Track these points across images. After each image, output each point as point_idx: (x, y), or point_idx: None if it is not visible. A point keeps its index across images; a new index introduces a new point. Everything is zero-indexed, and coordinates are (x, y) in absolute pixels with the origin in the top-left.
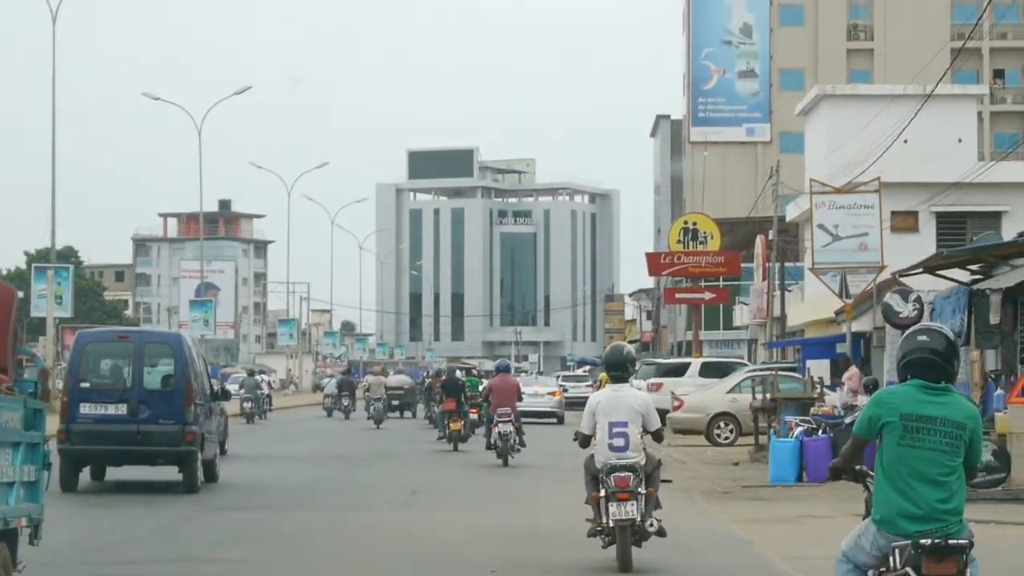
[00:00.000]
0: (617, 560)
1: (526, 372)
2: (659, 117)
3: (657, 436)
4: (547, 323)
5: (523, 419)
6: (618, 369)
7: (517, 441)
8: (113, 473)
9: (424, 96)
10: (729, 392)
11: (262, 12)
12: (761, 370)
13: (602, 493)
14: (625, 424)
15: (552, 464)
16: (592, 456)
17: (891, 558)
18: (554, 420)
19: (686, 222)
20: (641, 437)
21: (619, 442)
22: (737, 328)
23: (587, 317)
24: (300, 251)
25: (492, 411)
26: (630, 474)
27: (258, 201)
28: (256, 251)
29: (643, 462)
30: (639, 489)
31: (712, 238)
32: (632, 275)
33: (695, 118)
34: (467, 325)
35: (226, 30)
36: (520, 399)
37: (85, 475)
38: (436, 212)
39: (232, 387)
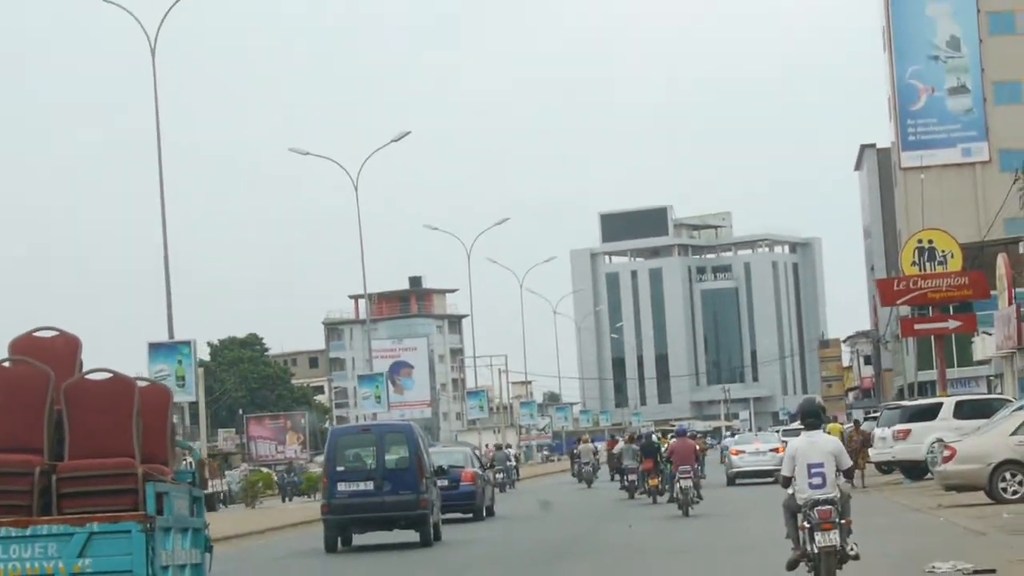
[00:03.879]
0: None
1: (738, 430)
2: (864, 147)
3: (848, 474)
4: (755, 378)
5: (744, 479)
6: (812, 416)
7: (695, 495)
8: (358, 539)
9: (611, 155)
10: (1014, 434)
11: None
12: None
13: (806, 525)
14: (822, 465)
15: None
16: (792, 495)
17: None
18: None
19: (920, 240)
20: (835, 476)
21: (817, 480)
22: (977, 363)
23: (796, 369)
24: (493, 322)
25: (674, 469)
26: (831, 507)
27: (445, 272)
28: (451, 326)
29: (838, 496)
30: (838, 520)
31: (952, 257)
32: (841, 323)
33: (905, 142)
34: (673, 386)
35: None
36: (698, 459)
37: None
38: (633, 274)
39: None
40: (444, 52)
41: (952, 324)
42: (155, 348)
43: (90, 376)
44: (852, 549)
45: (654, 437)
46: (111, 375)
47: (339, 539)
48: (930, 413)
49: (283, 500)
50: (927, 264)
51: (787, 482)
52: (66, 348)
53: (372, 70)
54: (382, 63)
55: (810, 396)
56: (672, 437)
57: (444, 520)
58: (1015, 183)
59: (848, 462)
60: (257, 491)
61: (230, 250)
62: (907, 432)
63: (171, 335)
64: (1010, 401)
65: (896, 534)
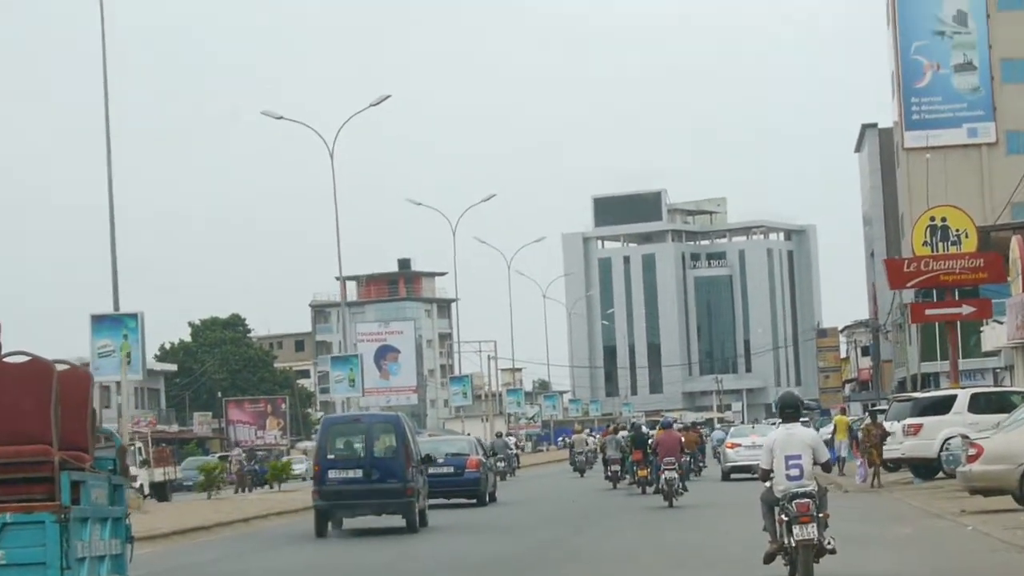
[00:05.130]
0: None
1: (731, 422)
2: (865, 127)
3: (826, 467)
4: (748, 369)
5: (738, 475)
6: (791, 408)
7: (680, 486)
8: (348, 523)
9: (606, 139)
10: None
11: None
12: None
13: (783, 518)
14: (799, 457)
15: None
16: (769, 488)
17: None
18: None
19: (933, 218)
20: (812, 467)
21: (795, 472)
22: (985, 355)
23: (790, 360)
24: (484, 306)
25: (659, 461)
26: (809, 500)
27: (435, 252)
28: (440, 311)
29: (816, 489)
30: (816, 513)
31: (967, 237)
32: (837, 312)
33: (908, 121)
34: (665, 376)
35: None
36: (683, 451)
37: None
38: (626, 259)
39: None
40: (433, 13)
41: (966, 310)
42: (98, 321)
43: (6, 359)
44: (830, 543)
45: (644, 428)
46: (29, 358)
47: (329, 523)
48: (943, 406)
49: (237, 491)
50: (939, 244)
51: (766, 475)
52: None
53: (353, 32)
54: (362, 24)
55: (789, 390)
56: (659, 428)
57: (449, 505)
58: None
59: (825, 455)
60: (215, 479)
61: (212, 228)
62: (919, 427)
63: (116, 307)
64: None
65: (926, 549)
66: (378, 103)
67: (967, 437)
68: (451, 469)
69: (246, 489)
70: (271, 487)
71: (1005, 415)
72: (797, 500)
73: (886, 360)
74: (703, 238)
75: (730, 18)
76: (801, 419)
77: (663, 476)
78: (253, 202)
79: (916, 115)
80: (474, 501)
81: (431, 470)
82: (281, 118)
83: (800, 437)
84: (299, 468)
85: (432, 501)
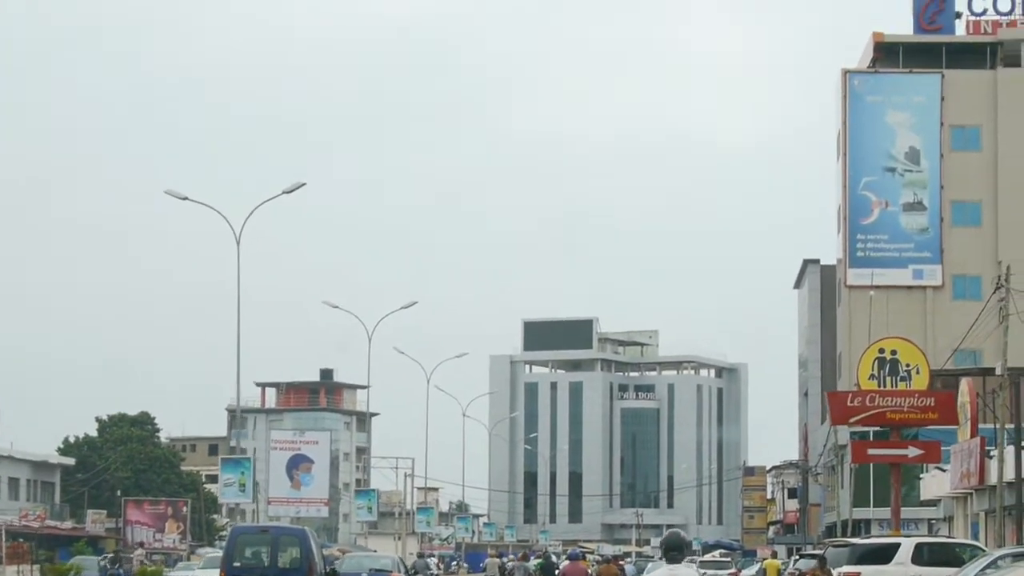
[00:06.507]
0: None
1: (649, 557)
2: (807, 262)
3: None
4: (670, 504)
5: None
6: (675, 550)
7: None
8: None
9: (535, 263)
10: None
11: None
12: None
13: None
14: None
15: None
16: None
17: None
18: None
19: (882, 350)
20: None
21: None
22: (923, 503)
23: (713, 498)
24: (404, 421)
25: None
26: None
27: (362, 368)
28: (359, 424)
29: None
30: None
31: (918, 373)
32: (763, 454)
33: (853, 258)
34: (585, 505)
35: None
36: None
37: None
38: (553, 385)
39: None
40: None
41: (913, 452)
42: None
43: None
44: None
45: (553, 557)
46: None
47: None
48: (884, 555)
49: None
50: (888, 379)
51: None
52: None
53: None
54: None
55: (675, 530)
56: (565, 559)
57: None
58: (996, 290)
59: None
60: None
61: (138, 327)
62: None
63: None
64: (981, 548)
65: None
66: (292, 190)
67: None
68: None
69: None
70: None
71: (951, 569)
72: None
73: (814, 503)
74: (633, 369)
75: (675, 147)
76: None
77: None
78: (174, 298)
79: (861, 252)
80: None
81: None
82: (186, 199)
83: None
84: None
85: None
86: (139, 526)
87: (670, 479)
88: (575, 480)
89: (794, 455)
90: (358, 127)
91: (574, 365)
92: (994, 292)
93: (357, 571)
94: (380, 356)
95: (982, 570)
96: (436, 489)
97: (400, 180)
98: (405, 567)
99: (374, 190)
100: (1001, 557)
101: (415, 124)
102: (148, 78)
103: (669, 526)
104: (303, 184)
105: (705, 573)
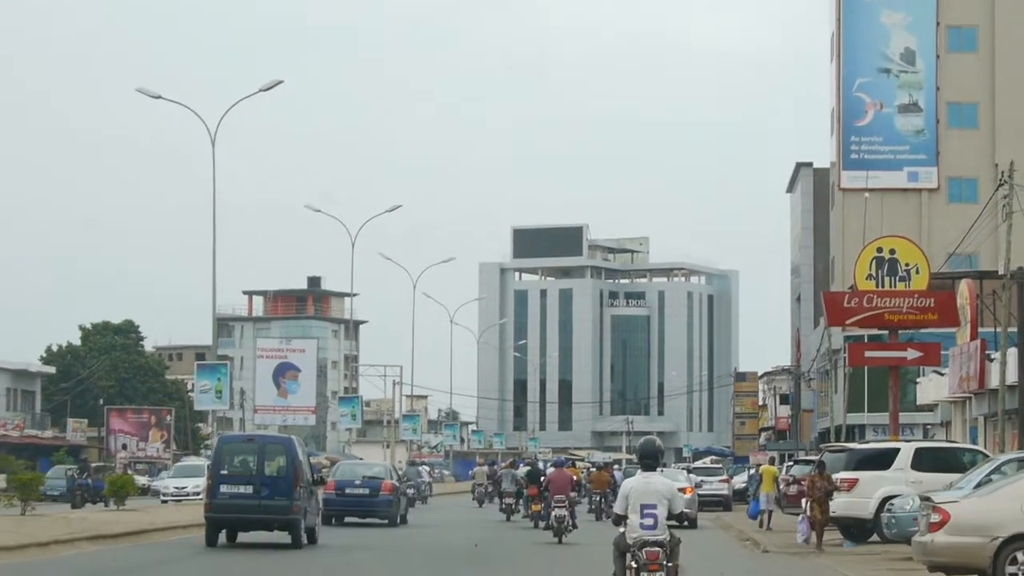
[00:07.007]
0: None
1: (638, 465)
2: (800, 165)
3: (679, 518)
4: (661, 412)
5: None
6: (649, 458)
7: (570, 523)
8: (242, 537)
9: (529, 171)
10: None
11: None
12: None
13: (633, 564)
14: (654, 507)
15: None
16: (623, 534)
17: None
18: (685, 524)
19: (880, 249)
20: (666, 519)
21: (649, 521)
22: (919, 408)
23: (704, 405)
24: (393, 328)
25: (550, 498)
26: (659, 549)
27: (345, 268)
28: (348, 332)
29: (668, 539)
30: (665, 562)
31: (918, 273)
32: (755, 361)
33: (846, 160)
34: (575, 413)
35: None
36: (575, 489)
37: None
38: (543, 292)
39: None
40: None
41: (912, 354)
42: None
43: None
44: None
45: (540, 464)
46: None
47: (219, 536)
48: (882, 461)
49: (74, 507)
50: (886, 279)
51: (619, 520)
52: None
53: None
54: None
55: (650, 437)
56: (551, 466)
57: (363, 524)
58: (1000, 186)
59: (680, 506)
60: (30, 493)
61: (129, 237)
62: (853, 482)
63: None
64: (984, 453)
65: None
66: (269, 88)
67: (929, 500)
68: (366, 491)
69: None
70: (106, 505)
71: (954, 475)
72: (647, 548)
73: (806, 409)
74: (623, 276)
75: (668, 47)
76: (660, 467)
77: (553, 513)
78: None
79: (855, 154)
80: (386, 522)
81: (348, 491)
82: (159, 97)
83: (657, 487)
84: (163, 484)
85: (348, 520)
86: (122, 435)
87: (660, 386)
88: (565, 387)
89: (786, 362)
90: (341, 30)
91: (564, 272)
92: (996, 189)
93: (351, 479)
94: (369, 264)
95: (987, 476)
96: (425, 397)
97: (391, 88)
98: (397, 475)
99: (358, 96)
100: (1006, 462)
101: (405, 29)
102: None
103: (660, 433)
104: (280, 82)
105: (700, 481)
